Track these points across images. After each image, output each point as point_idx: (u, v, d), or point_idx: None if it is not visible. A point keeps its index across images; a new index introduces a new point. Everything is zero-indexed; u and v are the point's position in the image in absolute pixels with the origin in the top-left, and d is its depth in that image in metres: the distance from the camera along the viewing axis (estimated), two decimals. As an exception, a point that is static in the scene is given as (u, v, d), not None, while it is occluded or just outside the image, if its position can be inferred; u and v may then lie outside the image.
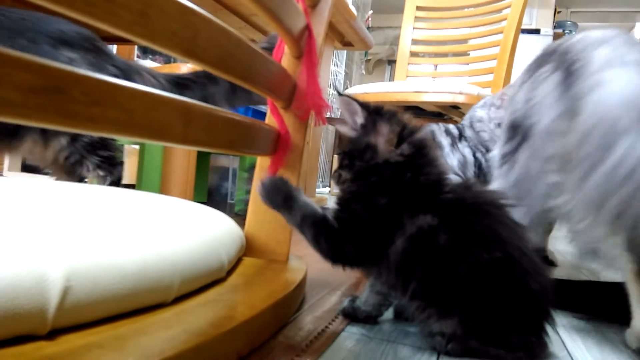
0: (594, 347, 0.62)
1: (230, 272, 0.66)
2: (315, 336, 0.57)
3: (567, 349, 0.61)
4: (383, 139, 0.60)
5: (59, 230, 0.53)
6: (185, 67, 1.39)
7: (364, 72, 5.82)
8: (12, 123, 0.32)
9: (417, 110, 2.08)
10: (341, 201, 0.61)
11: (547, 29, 4.23)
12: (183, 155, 1.43)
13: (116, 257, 0.46)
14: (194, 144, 0.55)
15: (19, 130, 1.03)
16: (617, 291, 0.66)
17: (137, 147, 1.79)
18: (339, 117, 0.63)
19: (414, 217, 0.56)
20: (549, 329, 0.56)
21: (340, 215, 0.59)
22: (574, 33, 4.62)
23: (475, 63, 2.15)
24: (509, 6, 1.99)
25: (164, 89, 1.14)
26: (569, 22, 4.78)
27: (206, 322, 0.47)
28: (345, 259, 0.59)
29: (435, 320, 0.55)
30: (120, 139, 1.30)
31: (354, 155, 0.61)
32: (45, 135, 1.06)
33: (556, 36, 4.27)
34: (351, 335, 0.59)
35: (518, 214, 0.60)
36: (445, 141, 1.36)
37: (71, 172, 1.12)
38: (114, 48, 2.38)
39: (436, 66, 2.55)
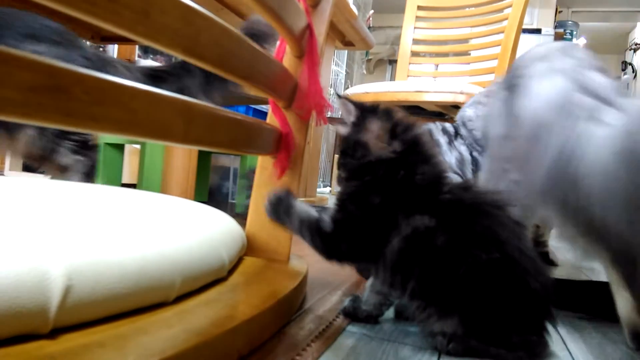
0: (594, 347, 0.62)
1: (231, 271, 0.66)
2: (316, 335, 0.57)
3: (567, 349, 0.61)
4: (372, 135, 0.59)
5: (61, 229, 0.53)
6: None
7: (364, 71, 5.82)
8: None
9: (418, 110, 2.08)
10: (338, 202, 0.61)
11: (548, 29, 4.22)
12: (184, 155, 1.43)
13: (117, 256, 0.46)
14: (195, 143, 0.55)
15: None
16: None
17: (138, 146, 1.80)
18: (339, 117, 0.64)
19: (409, 217, 0.56)
20: (549, 328, 0.56)
21: (336, 215, 0.60)
22: (575, 33, 4.64)
23: (476, 63, 2.14)
24: (510, 6, 1.98)
25: (137, 81, 1.12)
26: (570, 22, 4.78)
27: (207, 322, 0.47)
28: (339, 256, 0.61)
29: (436, 320, 0.55)
30: (122, 138, 1.30)
31: (347, 154, 0.61)
32: (7, 128, 1.04)
33: (557, 36, 4.27)
34: (352, 335, 0.59)
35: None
36: (442, 139, 1.37)
37: (48, 160, 1.09)
38: (115, 48, 2.39)
39: (437, 66, 2.55)
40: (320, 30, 0.81)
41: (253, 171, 0.83)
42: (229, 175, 2.51)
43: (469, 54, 2.37)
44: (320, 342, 0.55)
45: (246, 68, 0.61)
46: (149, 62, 2.27)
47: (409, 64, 2.20)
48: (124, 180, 2.01)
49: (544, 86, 0.70)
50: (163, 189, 1.44)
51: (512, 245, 0.55)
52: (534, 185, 0.67)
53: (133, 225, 0.61)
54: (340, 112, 0.64)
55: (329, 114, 0.81)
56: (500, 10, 2.09)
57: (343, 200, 0.61)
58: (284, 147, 0.78)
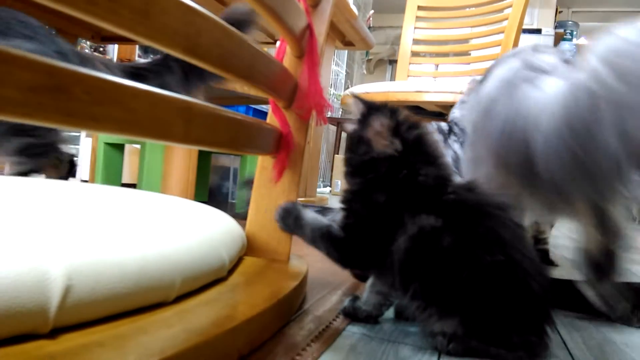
0: (594, 347, 0.62)
1: (231, 271, 0.66)
2: (316, 335, 0.57)
3: (567, 349, 0.61)
4: (374, 131, 0.60)
5: (60, 229, 0.53)
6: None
7: (365, 71, 5.82)
8: None
9: (418, 110, 2.08)
10: (344, 203, 0.62)
11: (549, 29, 4.22)
12: (184, 155, 1.43)
13: (117, 256, 0.46)
14: (196, 143, 0.55)
15: None
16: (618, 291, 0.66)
17: (138, 146, 1.80)
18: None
19: (415, 216, 0.56)
20: (549, 329, 0.56)
21: (347, 222, 0.61)
22: (575, 33, 4.64)
23: (477, 63, 2.14)
24: (510, 6, 1.98)
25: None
26: (570, 22, 4.77)
27: (207, 321, 0.47)
28: (356, 263, 0.64)
29: (436, 320, 0.55)
30: (122, 137, 1.30)
31: (351, 149, 0.62)
32: None
33: (557, 36, 4.27)
34: (352, 335, 0.59)
35: None
36: (437, 138, 1.38)
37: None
38: (115, 48, 2.39)
39: (437, 66, 2.55)
40: (321, 30, 0.81)
41: (251, 181, 0.83)
42: (229, 175, 2.51)
43: (469, 54, 2.38)
44: (320, 342, 0.55)
45: (246, 68, 0.61)
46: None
47: (409, 64, 2.20)
48: (124, 180, 2.01)
49: (499, 69, 0.80)
50: (163, 188, 1.44)
51: (513, 246, 0.55)
52: (489, 153, 0.76)
53: (133, 225, 0.61)
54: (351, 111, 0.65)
55: (328, 114, 0.82)
56: (501, 10, 2.09)
57: (348, 200, 0.62)
58: (283, 147, 0.78)
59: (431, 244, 0.55)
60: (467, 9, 2.21)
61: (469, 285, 0.53)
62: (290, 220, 0.67)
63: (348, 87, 4.61)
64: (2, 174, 1.12)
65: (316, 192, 2.32)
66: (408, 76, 2.18)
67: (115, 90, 0.40)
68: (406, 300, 0.58)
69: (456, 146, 1.39)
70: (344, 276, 0.85)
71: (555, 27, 4.51)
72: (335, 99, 4.36)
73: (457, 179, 0.62)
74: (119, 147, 1.91)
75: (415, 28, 2.22)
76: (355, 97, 0.63)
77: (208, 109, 0.54)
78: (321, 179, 4.28)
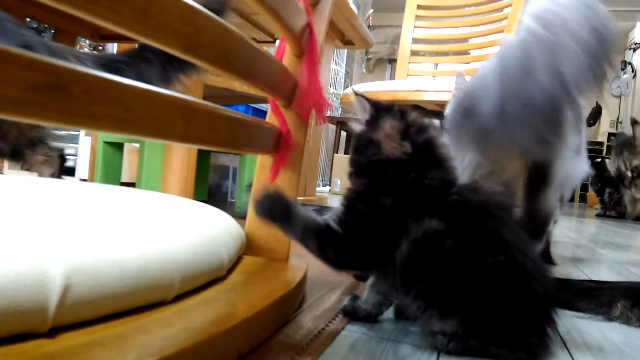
0: (594, 347, 0.62)
1: (230, 270, 0.66)
2: (315, 335, 0.57)
3: (567, 349, 0.61)
4: (384, 134, 0.59)
5: (60, 228, 0.53)
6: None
7: (364, 70, 5.82)
8: None
9: (417, 109, 2.08)
10: (346, 201, 0.60)
11: (548, 28, 4.21)
12: (183, 154, 1.43)
13: (117, 254, 0.46)
14: (195, 142, 0.55)
15: None
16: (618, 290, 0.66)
17: (137, 145, 1.80)
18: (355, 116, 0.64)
19: (419, 220, 0.55)
20: (551, 330, 0.56)
21: (345, 218, 0.59)
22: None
23: (476, 62, 2.14)
24: (509, 5, 1.98)
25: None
26: (569, 22, 4.76)
27: (206, 320, 0.47)
28: (353, 264, 0.61)
29: (437, 320, 0.55)
30: (122, 136, 1.29)
31: (359, 151, 0.61)
32: None
33: (557, 35, 4.26)
34: (351, 334, 0.59)
35: None
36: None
37: None
38: (114, 46, 2.39)
39: (437, 65, 2.55)
40: (320, 29, 0.81)
41: (251, 184, 0.82)
42: (228, 174, 2.51)
43: (469, 53, 2.38)
44: (320, 341, 0.55)
45: (246, 67, 0.61)
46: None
47: (409, 63, 2.20)
48: (123, 179, 2.01)
49: (487, 65, 0.88)
50: (162, 187, 1.43)
51: (515, 247, 0.55)
52: (459, 132, 0.85)
53: (132, 224, 0.60)
54: (356, 110, 0.64)
55: (328, 113, 0.81)
56: (500, 9, 2.09)
57: (352, 199, 0.60)
58: (282, 147, 0.77)
59: (434, 247, 0.55)
60: (467, 8, 2.22)
61: (471, 285, 0.53)
62: (277, 212, 0.59)
63: (347, 86, 4.60)
64: (2, 173, 1.11)
65: (315, 191, 2.32)
66: (407, 75, 2.18)
67: (114, 89, 0.40)
68: (407, 301, 0.57)
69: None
70: (343, 275, 0.85)
71: (555, 27, 4.50)
72: (334, 98, 4.36)
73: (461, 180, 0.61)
74: (118, 146, 1.91)
75: (414, 27, 2.22)
76: (360, 95, 0.62)
77: (207, 108, 0.54)
78: (321, 178, 4.29)
